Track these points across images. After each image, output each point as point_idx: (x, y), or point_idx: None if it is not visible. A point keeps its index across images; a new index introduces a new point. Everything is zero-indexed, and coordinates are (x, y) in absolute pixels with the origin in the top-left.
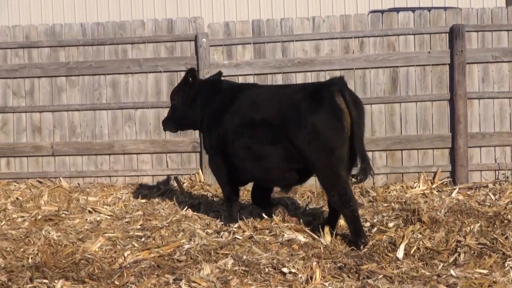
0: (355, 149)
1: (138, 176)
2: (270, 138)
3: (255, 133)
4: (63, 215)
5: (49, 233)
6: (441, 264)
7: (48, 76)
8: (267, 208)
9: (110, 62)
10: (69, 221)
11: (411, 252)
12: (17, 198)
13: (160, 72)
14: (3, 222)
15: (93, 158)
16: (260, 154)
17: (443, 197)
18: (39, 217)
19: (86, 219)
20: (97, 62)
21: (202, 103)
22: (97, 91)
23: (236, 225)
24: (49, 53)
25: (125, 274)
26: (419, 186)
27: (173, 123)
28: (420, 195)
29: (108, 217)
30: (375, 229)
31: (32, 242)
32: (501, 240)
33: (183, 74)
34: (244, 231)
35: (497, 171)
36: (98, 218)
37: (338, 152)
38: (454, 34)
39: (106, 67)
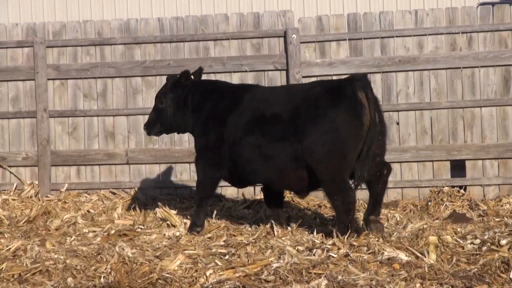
0: (362, 148)
1: (221, 187)
2: (281, 136)
3: (266, 131)
4: (139, 229)
5: (123, 250)
6: None
7: (122, 76)
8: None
9: (190, 60)
10: (145, 237)
11: None
12: (88, 211)
13: (246, 71)
14: (73, 238)
15: (172, 167)
16: (270, 153)
17: None
18: (112, 232)
19: (164, 234)
20: (176, 60)
21: (194, 105)
22: None
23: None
24: (123, 51)
25: None
26: None
27: (160, 126)
28: None
29: (188, 232)
30: (485, 247)
31: (104, 259)
32: None
33: (270, 74)
34: (339, 249)
35: None
36: (178, 233)
37: (351, 157)
38: None
39: (186, 66)
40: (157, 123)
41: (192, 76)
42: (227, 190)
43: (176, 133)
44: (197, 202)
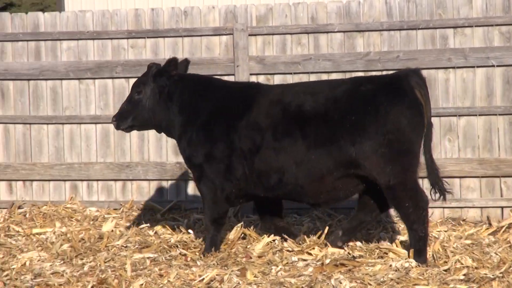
0: (425, 156)
1: (461, 208)
2: (326, 139)
3: (305, 134)
4: (360, 258)
5: (341, 283)
6: None
7: (341, 71)
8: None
9: (424, 52)
10: (367, 268)
11: None
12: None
13: (493, 66)
14: (279, 267)
15: None
16: (310, 159)
17: None
18: (327, 261)
19: (391, 266)
20: (406, 52)
21: (182, 104)
22: None
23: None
24: (341, 41)
25: None
26: None
27: (132, 120)
28: None
29: (419, 264)
30: None
31: None
32: None
33: None
34: None
35: None
36: (407, 265)
37: (419, 157)
38: None
39: (418, 60)
40: (129, 116)
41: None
42: (468, 212)
43: (150, 130)
44: (209, 226)
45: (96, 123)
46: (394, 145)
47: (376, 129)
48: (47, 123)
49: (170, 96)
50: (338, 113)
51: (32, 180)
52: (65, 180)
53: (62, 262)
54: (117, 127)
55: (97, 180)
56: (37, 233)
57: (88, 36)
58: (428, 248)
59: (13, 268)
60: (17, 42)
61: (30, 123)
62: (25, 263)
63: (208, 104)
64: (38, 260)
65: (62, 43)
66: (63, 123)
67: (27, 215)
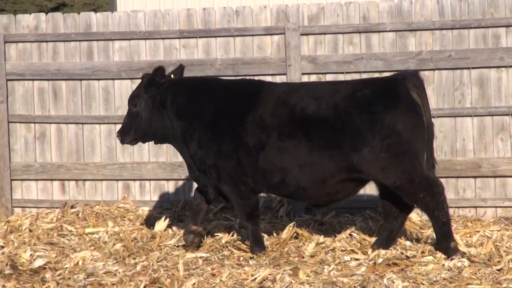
0: (426, 157)
1: None
2: (321, 143)
3: (308, 137)
4: (413, 258)
5: (393, 283)
6: None
7: (393, 71)
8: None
9: (476, 51)
10: (420, 267)
11: None
12: (350, 234)
13: None
14: (332, 267)
15: (453, 182)
16: (313, 161)
17: None
18: (380, 260)
19: (443, 265)
20: (458, 51)
21: (180, 108)
22: (458, 91)
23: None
24: (393, 40)
25: None
26: None
27: (134, 134)
28: None
29: (472, 263)
30: None
31: None
32: None
33: None
34: None
35: None
36: (459, 264)
37: (421, 155)
38: None
39: (471, 59)
40: (131, 130)
41: (172, 75)
42: None
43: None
44: (246, 224)
45: None
46: (393, 149)
47: (373, 135)
48: (100, 123)
49: (162, 104)
50: (339, 119)
51: (84, 180)
52: (117, 180)
53: (114, 261)
54: (122, 142)
55: (150, 179)
56: (90, 233)
57: (140, 36)
58: (487, 249)
59: (66, 268)
60: (70, 42)
61: (82, 123)
62: (78, 263)
63: (211, 104)
64: (91, 260)
65: (114, 43)
66: (115, 123)
67: (80, 215)
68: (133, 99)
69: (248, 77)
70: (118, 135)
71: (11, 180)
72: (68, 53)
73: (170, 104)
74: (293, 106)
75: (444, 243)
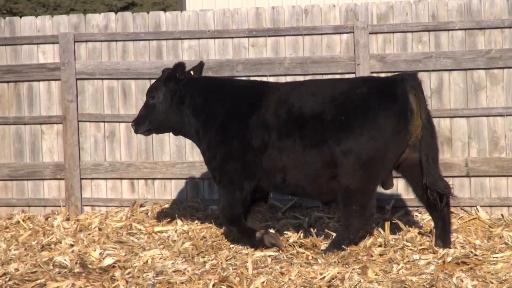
0: (420, 157)
1: None
2: (319, 140)
3: (305, 134)
4: (482, 257)
5: (462, 282)
6: None
7: (462, 69)
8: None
9: None
10: (489, 266)
11: None
12: (420, 233)
13: None
14: (401, 265)
15: None
16: (309, 159)
17: None
18: (449, 259)
19: None
20: None
21: (195, 107)
22: None
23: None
24: (463, 38)
25: None
26: None
27: (149, 124)
28: None
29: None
30: None
31: None
32: None
33: None
34: None
35: None
36: None
37: (388, 168)
38: None
39: None
40: (146, 120)
41: (192, 72)
42: None
43: (168, 133)
44: (230, 227)
45: None
46: (372, 151)
47: (361, 132)
48: None
49: (181, 100)
50: (332, 114)
51: (153, 179)
52: (186, 179)
53: (183, 260)
54: (136, 131)
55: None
56: (159, 231)
57: (209, 35)
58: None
59: (135, 266)
60: (139, 42)
61: None
62: (147, 261)
63: (221, 105)
64: (160, 258)
65: (184, 42)
66: None
67: (149, 214)
68: (152, 91)
69: (318, 76)
70: (133, 124)
71: (81, 179)
72: (137, 52)
73: (188, 102)
74: (292, 104)
75: (331, 247)
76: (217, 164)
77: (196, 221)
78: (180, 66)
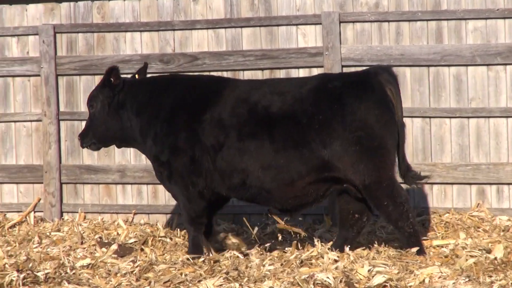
0: (398, 157)
1: None
2: (291, 140)
3: (273, 134)
4: None
5: None
6: None
7: None
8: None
9: None
10: None
11: None
12: None
13: None
14: None
15: None
16: (279, 162)
17: None
18: None
19: None
20: None
21: (140, 106)
22: None
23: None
24: None
25: None
26: None
27: (92, 136)
28: None
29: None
30: None
31: None
32: None
33: None
34: None
35: None
36: None
37: (393, 154)
38: None
39: None
40: (89, 132)
41: (136, 75)
42: None
43: (116, 146)
44: (188, 228)
45: (507, 117)
46: (364, 142)
47: (344, 127)
48: (450, 117)
49: (120, 104)
50: (306, 114)
51: (432, 183)
52: (470, 184)
53: (467, 279)
54: (81, 145)
55: (509, 184)
56: (438, 245)
57: (498, 14)
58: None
59: (410, 286)
60: (415, 22)
61: (429, 117)
62: (423, 280)
63: (169, 98)
64: (439, 277)
65: (468, 23)
66: (468, 117)
67: (426, 224)
68: (90, 100)
69: None
70: (79, 137)
71: None
72: (413, 35)
73: (130, 103)
74: (255, 104)
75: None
76: (165, 158)
77: (482, 234)
78: (113, 70)
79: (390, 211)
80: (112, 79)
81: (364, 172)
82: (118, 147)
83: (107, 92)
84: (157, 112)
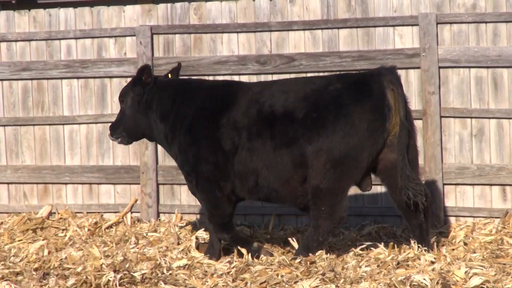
0: (396, 158)
1: None
2: (287, 139)
3: (277, 133)
4: None
5: None
6: None
7: None
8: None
9: None
10: None
11: None
12: None
13: None
14: None
15: None
16: (279, 160)
17: None
18: None
19: None
20: None
21: (164, 113)
22: None
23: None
24: None
25: None
26: None
27: (122, 131)
28: None
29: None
30: None
31: None
32: None
33: None
34: None
35: None
36: None
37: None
38: None
39: None
40: (119, 127)
41: (169, 75)
42: None
43: (148, 140)
44: (222, 236)
45: None
46: (344, 149)
47: (334, 128)
48: None
49: (148, 104)
50: (305, 113)
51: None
52: None
53: None
54: (112, 137)
55: None
56: None
57: None
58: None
59: None
60: None
61: None
62: None
63: (191, 111)
64: None
65: None
66: None
67: None
68: (122, 96)
69: None
70: (110, 129)
71: (443, 184)
72: (511, 37)
73: (156, 106)
74: (263, 104)
75: (300, 250)
76: (191, 167)
77: None
78: (145, 69)
79: (322, 217)
80: (143, 77)
81: (327, 176)
82: (150, 141)
83: (138, 89)
84: (181, 123)
